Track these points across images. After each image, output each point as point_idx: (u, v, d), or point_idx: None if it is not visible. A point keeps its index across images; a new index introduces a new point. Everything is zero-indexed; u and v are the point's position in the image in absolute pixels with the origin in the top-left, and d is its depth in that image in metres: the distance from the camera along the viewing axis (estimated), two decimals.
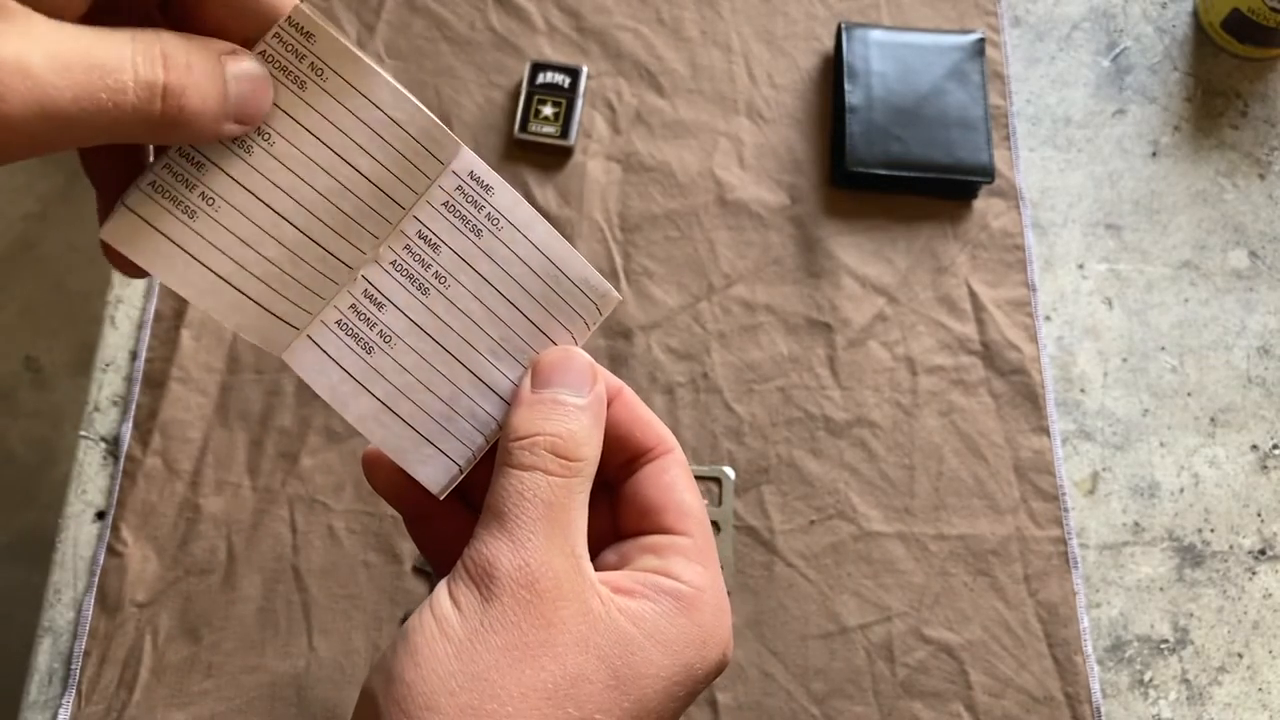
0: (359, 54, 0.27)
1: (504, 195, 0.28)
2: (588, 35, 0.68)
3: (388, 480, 0.29)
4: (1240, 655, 0.56)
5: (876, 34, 0.65)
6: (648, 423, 0.29)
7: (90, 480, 0.57)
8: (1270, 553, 0.58)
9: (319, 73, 0.26)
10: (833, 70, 0.67)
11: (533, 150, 0.65)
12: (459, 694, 0.23)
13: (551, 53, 0.67)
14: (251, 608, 0.54)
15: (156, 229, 0.25)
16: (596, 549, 0.27)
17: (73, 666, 0.53)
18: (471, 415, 0.28)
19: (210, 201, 0.25)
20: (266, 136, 0.26)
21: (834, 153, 0.65)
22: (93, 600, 0.54)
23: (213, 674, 0.53)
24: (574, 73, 0.65)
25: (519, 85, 0.66)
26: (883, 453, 0.59)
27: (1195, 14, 0.71)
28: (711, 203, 0.64)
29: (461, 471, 0.28)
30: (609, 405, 0.28)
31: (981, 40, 0.66)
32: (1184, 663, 0.56)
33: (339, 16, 0.68)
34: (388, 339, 0.27)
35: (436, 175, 0.27)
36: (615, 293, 0.29)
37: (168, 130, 0.23)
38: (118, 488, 0.56)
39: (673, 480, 0.29)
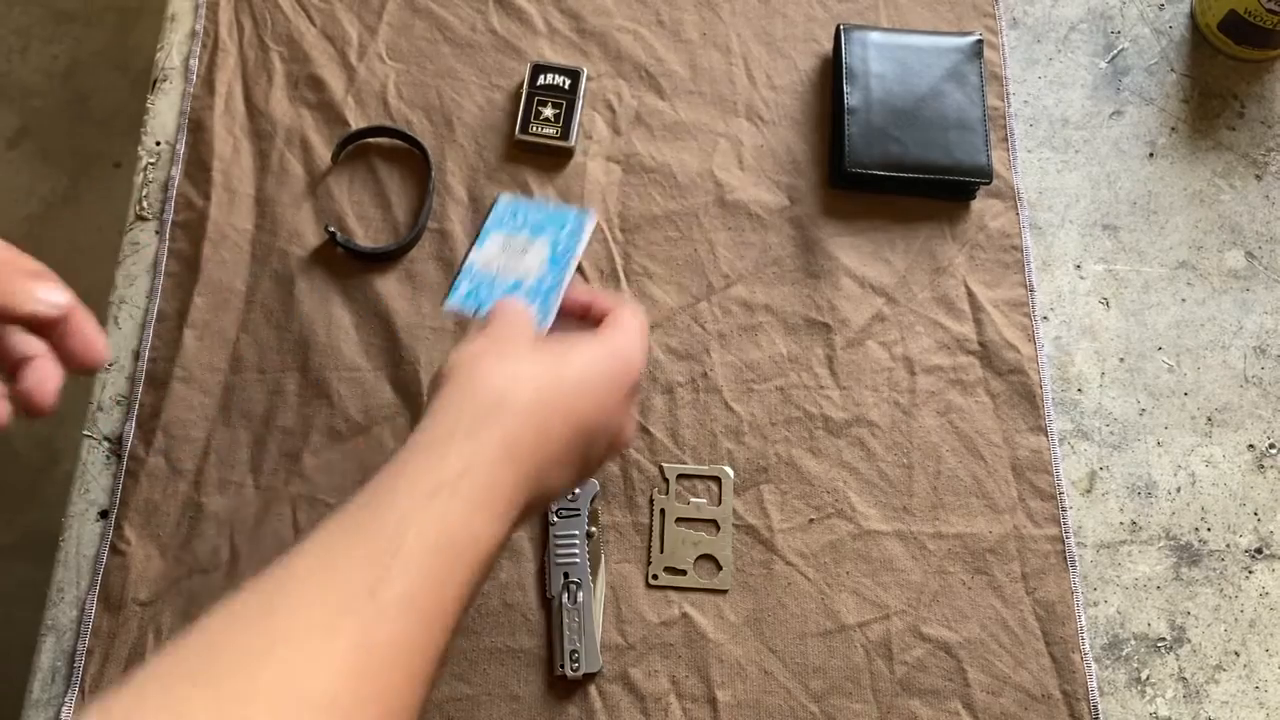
0: None
1: None
2: (588, 37, 0.68)
3: None
4: (1237, 653, 0.56)
5: (875, 36, 0.66)
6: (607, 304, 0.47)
7: (93, 479, 0.58)
8: (1267, 551, 0.58)
9: None
10: (831, 72, 0.67)
11: (533, 151, 0.65)
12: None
13: (552, 55, 0.68)
14: None
15: None
16: None
17: (76, 665, 0.53)
18: None
19: None
20: None
21: (833, 154, 0.65)
22: (96, 599, 0.54)
23: None
24: (574, 74, 0.65)
25: (520, 87, 0.66)
26: (881, 452, 0.59)
27: (1192, 15, 0.71)
28: (711, 203, 0.64)
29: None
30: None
31: (980, 42, 0.66)
32: (1181, 661, 0.56)
33: (340, 19, 0.68)
34: None
35: None
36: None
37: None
38: (121, 487, 0.57)
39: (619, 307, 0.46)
